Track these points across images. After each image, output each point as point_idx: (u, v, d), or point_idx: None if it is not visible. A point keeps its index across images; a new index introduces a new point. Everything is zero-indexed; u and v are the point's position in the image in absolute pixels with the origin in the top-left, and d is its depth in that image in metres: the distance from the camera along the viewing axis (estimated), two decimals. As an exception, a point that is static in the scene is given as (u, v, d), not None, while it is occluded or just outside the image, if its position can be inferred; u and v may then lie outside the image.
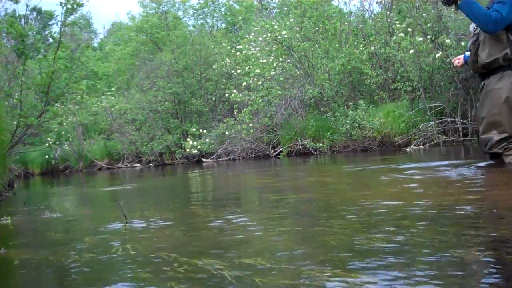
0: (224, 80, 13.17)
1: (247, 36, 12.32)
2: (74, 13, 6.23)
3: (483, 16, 3.05)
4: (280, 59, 10.40)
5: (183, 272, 1.33)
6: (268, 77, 10.41)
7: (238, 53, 11.75)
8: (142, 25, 16.38)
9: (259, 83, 10.47)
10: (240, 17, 17.81)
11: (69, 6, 6.10)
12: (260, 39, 11.28)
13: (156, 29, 15.97)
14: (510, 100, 3.11)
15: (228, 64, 12.29)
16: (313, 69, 10.07)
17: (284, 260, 1.37)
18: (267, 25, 10.41)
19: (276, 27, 10.23)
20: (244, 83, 10.80)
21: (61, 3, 6.11)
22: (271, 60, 10.43)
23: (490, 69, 3.22)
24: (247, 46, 11.44)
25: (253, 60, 10.85)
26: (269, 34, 10.21)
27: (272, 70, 10.26)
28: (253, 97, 10.33)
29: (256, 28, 12.03)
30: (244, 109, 10.39)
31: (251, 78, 10.58)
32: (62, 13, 6.19)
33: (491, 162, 3.38)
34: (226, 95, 11.63)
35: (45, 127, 10.64)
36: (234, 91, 10.91)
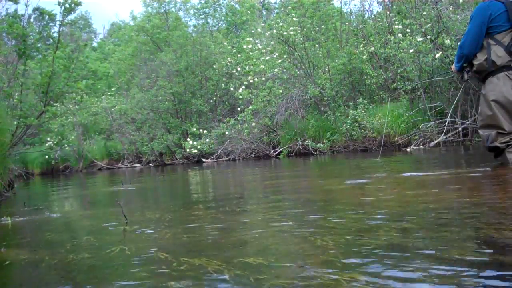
0: (224, 79, 13.19)
1: (252, 31, 12.38)
2: (72, 13, 6.21)
3: (457, 55, 3.58)
4: (283, 57, 10.42)
5: (182, 272, 1.33)
6: (270, 74, 10.43)
7: (240, 54, 11.78)
8: (143, 25, 16.39)
9: (263, 79, 10.49)
10: (244, 18, 17.85)
11: (67, 5, 6.08)
12: (264, 38, 11.31)
13: (157, 29, 15.98)
14: (498, 101, 3.29)
15: (228, 64, 12.30)
16: (314, 69, 10.08)
17: (283, 260, 1.37)
18: (272, 22, 10.45)
19: (281, 24, 10.24)
20: (246, 82, 10.81)
21: (59, 3, 6.10)
22: (274, 56, 10.45)
23: (481, 74, 3.43)
24: (250, 46, 11.45)
25: (254, 60, 10.86)
26: (274, 31, 10.21)
27: (275, 68, 10.28)
28: (255, 94, 10.35)
29: (258, 30, 12.06)
30: (247, 108, 10.40)
31: (253, 76, 10.60)
32: (60, 12, 6.18)
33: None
34: (232, 89, 11.61)
35: (45, 127, 10.65)
36: (243, 87, 10.91)
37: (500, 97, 3.26)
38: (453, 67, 3.76)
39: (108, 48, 23.61)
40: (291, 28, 9.84)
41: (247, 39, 12.14)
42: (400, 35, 8.17)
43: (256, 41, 11.60)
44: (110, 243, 1.87)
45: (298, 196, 3.07)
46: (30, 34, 6.11)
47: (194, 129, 12.22)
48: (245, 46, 11.76)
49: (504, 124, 3.25)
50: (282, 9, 12.76)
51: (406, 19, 8.38)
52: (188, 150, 11.70)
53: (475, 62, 3.39)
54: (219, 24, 19.90)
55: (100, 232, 2.23)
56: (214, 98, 13.74)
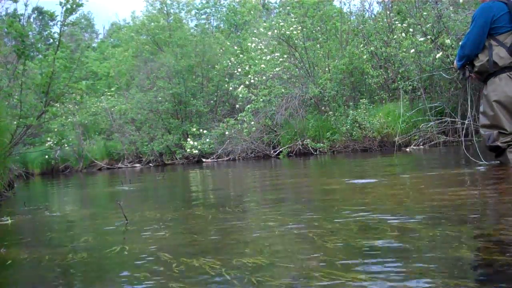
0: (226, 79, 13.20)
1: (254, 31, 12.38)
2: (74, 13, 6.19)
3: (458, 54, 3.58)
4: (282, 58, 10.42)
5: (182, 272, 1.32)
6: (270, 75, 10.43)
7: (242, 54, 11.80)
8: (144, 25, 16.35)
9: (263, 78, 10.50)
10: (246, 18, 17.87)
11: (68, 6, 6.07)
12: (265, 38, 11.32)
13: (159, 30, 15.96)
14: (500, 101, 3.29)
15: (230, 63, 12.31)
16: (314, 69, 10.08)
17: (284, 261, 1.37)
18: (273, 22, 10.46)
19: (282, 24, 10.25)
20: (247, 82, 10.82)
21: (60, 3, 6.08)
22: (276, 56, 10.46)
23: (482, 74, 3.43)
24: (253, 45, 11.45)
25: (256, 60, 10.86)
26: (275, 31, 10.21)
27: (277, 67, 10.28)
28: (255, 94, 10.35)
29: (261, 29, 12.08)
30: (248, 106, 10.39)
31: (253, 75, 10.61)
32: (61, 13, 6.17)
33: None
34: (231, 88, 11.62)
35: (45, 128, 10.64)
36: (242, 86, 10.92)
37: (502, 97, 3.27)
38: (454, 64, 3.78)
39: (107, 51, 23.60)
40: (293, 26, 9.85)
41: (252, 38, 12.15)
42: (402, 34, 8.17)
43: (258, 41, 11.62)
44: (110, 243, 1.87)
45: (298, 196, 3.07)
46: (29, 33, 6.09)
47: (194, 129, 12.22)
48: (249, 44, 11.78)
49: (506, 124, 3.27)
50: (281, 8, 12.79)
51: (407, 19, 8.39)
52: (188, 150, 11.70)
53: (477, 63, 3.39)
54: (220, 25, 19.91)
55: (100, 232, 2.23)
56: (215, 99, 13.72)
